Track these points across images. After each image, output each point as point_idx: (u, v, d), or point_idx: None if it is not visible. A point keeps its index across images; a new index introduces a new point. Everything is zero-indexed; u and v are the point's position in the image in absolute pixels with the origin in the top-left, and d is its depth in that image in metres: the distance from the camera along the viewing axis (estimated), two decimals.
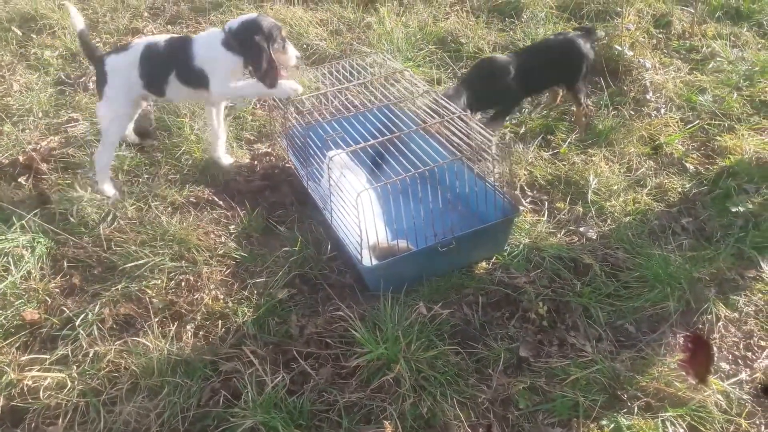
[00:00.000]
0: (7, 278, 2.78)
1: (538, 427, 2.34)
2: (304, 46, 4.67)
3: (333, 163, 3.05)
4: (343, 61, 3.61)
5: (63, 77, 4.33)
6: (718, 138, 3.83)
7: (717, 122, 3.97)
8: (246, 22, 3.01)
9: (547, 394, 2.45)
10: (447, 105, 3.11)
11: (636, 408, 2.39)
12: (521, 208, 3.22)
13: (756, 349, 2.67)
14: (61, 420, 2.29)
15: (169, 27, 5.05)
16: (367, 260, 2.75)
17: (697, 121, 3.96)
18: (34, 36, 4.76)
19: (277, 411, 2.31)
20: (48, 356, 2.50)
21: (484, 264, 3.00)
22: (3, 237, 2.92)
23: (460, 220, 2.97)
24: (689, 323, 2.74)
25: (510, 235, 3.05)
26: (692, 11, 5.12)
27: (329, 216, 2.98)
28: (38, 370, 2.43)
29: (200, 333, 2.64)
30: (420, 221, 2.78)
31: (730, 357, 2.63)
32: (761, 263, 3.01)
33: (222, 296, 2.79)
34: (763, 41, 4.93)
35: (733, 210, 3.32)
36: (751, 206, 3.34)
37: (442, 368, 2.48)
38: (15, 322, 2.63)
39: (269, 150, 3.71)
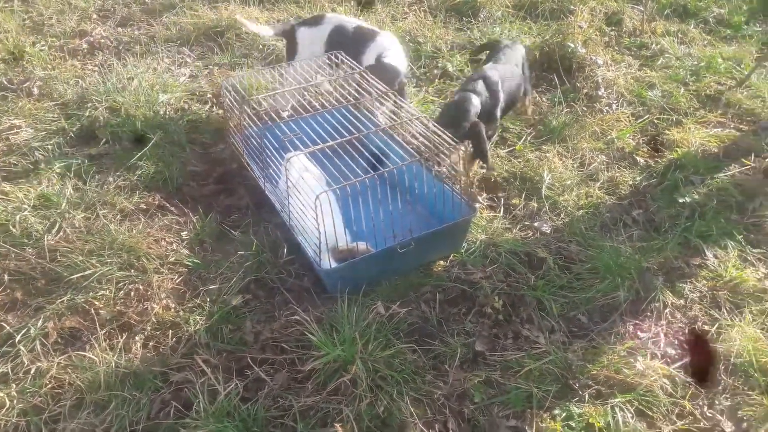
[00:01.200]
0: None
1: (493, 420, 2.35)
2: (260, 46, 4.61)
3: (291, 164, 3.02)
4: (299, 61, 3.56)
5: (5, 82, 4.17)
6: (667, 132, 3.91)
7: (666, 116, 4.05)
8: None
9: (502, 387, 2.47)
10: (405, 106, 3.09)
11: (587, 396, 2.43)
12: (477, 206, 3.22)
13: (701, 333, 2.72)
14: None
15: (120, 29, 4.92)
16: (327, 263, 2.71)
17: (647, 116, 4.03)
18: None
19: (230, 420, 2.26)
20: None
21: (442, 262, 2.99)
22: None
23: (419, 221, 2.97)
24: (638, 311, 2.79)
25: (467, 233, 3.05)
26: (642, 9, 5.21)
27: (287, 219, 2.93)
28: None
29: (150, 344, 2.57)
30: (379, 223, 2.76)
31: (676, 342, 2.67)
32: (706, 251, 3.09)
33: (173, 305, 2.72)
34: (708, 37, 5.06)
35: (680, 201, 3.40)
36: (696, 197, 3.42)
37: (399, 367, 2.47)
38: None
39: (225, 153, 3.63)
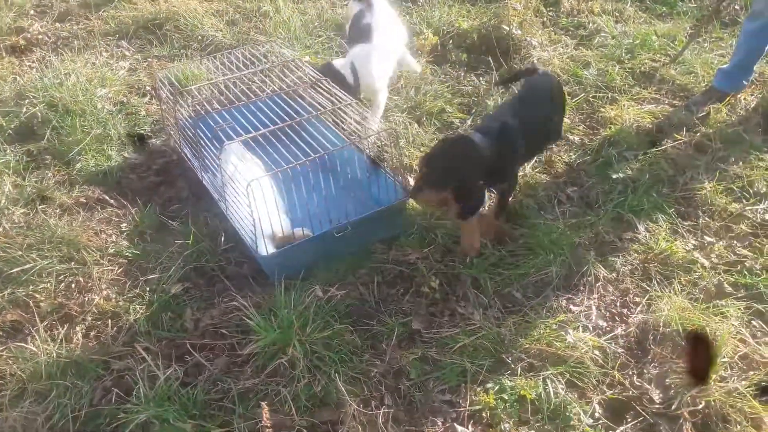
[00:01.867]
0: None
1: (428, 395, 2.47)
2: (199, 37, 4.64)
3: (226, 153, 3.08)
4: (236, 51, 3.61)
5: None
6: (602, 110, 4.06)
7: (601, 95, 4.20)
8: None
9: (438, 363, 2.58)
10: (338, 93, 3.17)
11: (519, 369, 2.54)
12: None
13: (631, 305, 2.87)
14: None
15: (58, 24, 4.89)
16: (263, 249, 2.79)
17: (581, 94, 4.17)
18: None
19: (170, 404, 2.34)
20: None
21: (381, 245, 3.09)
22: None
23: (357, 205, 3.05)
24: (571, 286, 2.93)
25: (403, 216, 3.15)
26: None
27: (224, 207, 3.00)
28: None
29: (91, 334, 2.64)
30: (314, 208, 2.85)
31: (607, 315, 2.83)
32: (638, 225, 3.24)
33: (114, 295, 2.78)
34: (644, 15, 5.22)
35: (614, 177, 3.54)
36: (630, 172, 3.57)
37: (337, 347, 2.57)
38: None
39: (164, 145, 3.68)
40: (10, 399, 2.34)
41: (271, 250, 2.80)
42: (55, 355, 2.49)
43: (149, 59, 4.47)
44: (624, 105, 4.08)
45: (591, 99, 4.17)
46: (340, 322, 2.66)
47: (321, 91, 3.20)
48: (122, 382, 2.44)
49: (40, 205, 3.15)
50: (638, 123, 3.95)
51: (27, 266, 2.80)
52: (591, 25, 4.97)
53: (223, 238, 2.98)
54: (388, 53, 3.84)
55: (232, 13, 4.97)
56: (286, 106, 3.17)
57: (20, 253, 2.86)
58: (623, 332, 2.74)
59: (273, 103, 3.25)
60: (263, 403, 1.94)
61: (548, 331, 2.69)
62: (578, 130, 3.94)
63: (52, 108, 3.70)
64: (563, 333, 2.67)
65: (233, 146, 3.12)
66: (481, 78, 4.35)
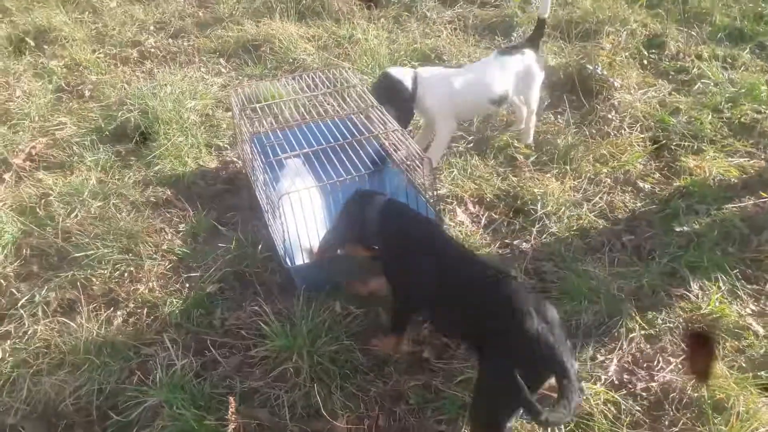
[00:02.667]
0: None
1: (423, 422, 2.56)
2: (291, 60, 5.06)
3: (286, 169, 3.39)
4: (311, 73, 3.93)
5: (63, 85, 4.85)
6: (683, 159, 3.94)
7: (686, 143, 4.07)
8: None
9: (440, 393, 2.66)
10: (388, 120, 3.38)
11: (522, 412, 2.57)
12: (445, 220, 3.42)
13: (662, 364, 2.79)
14: None
15: (171, 40, 5.54)
16: (295, 261, 3.04)
17: (662, 141, 4.08)
18: (46, 47, 5.34)
19: (181, 392, 2.61)
20: None
21: None
22: None
23: None
24: (599, 336, 2.89)
25: None
26: (691, 32, 5.22)
27: (267, 218, 3.29)
28: None
29: (130, 319, 3.00)
30: None
31: (632, 370, 2.76)
32: (691, 282, 3.13)
33: (157, 288, 3.14)
34: (762, 63, 4.98)
35: (677, 229, 3.45)
36: (696, 226, 3.45)
37: (342, 363, 2.73)
38: None
39: (236, 157, 4.07)
40: (49, 366, 2.73)
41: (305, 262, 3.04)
42: (95, 334, 2.86)
43: (242, 77, 4.95)
44: (709, 156, 3.94)
45: (673, 147, 4.07)
46: (352, 340, 2.83)
47: (374, 116, 3.42)
48: (146, 367, 2.76)
49: (114, 200, 3.61)
50: (721, 177, 3.81)
51: (90, 252, 3.24)
52: (695, 70, 4.83)
53: (261, 246, 3.25)
54: (467, 97, 3.83)
55: (325, 39, 5.36)
56: (343, 128, 3.43)
57: (87, 240, 3.31)
58: (643, 390, 2.67)
59: (332, 124, 3.52)
60: (231, 398, 2.14)
61: None
62: (651, 178, 3.87)
63: (144, 115, 4.22)
64: None
65: (291, 163, 3.42)
66: (559, 117, 4.38)
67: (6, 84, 4.82)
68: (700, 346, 2.74)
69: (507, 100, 3.95)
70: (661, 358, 2.82)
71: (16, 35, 5.49)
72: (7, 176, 3.89)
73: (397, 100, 3.67)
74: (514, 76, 3.83)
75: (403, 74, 3.75)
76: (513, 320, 2.15)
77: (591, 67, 4.43)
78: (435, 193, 3.16)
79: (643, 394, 2.67)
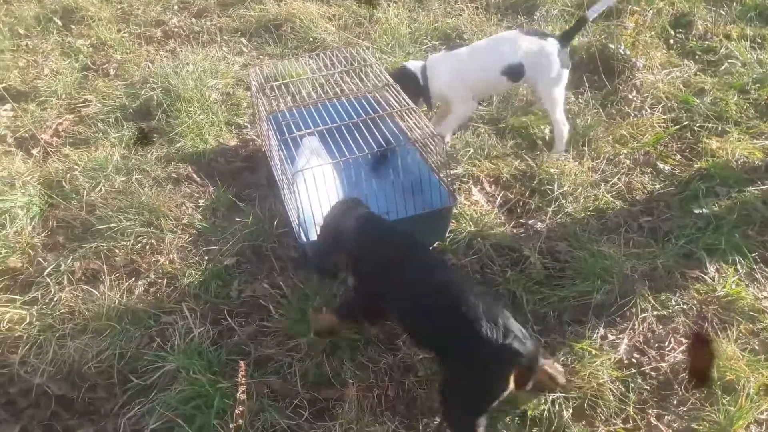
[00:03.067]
0: (1, 232, 3.39)
1: (431, 394, 2.65)
2: (311, 39, 5.15)
3: (302, 146, 3.49)
4: (328, 52, 4.01)
5: (89, 63, 5.02)
6: (705, 141, 3.94)
7: (709, 125, 4.07)
8: None
9: None
10: (404, 98, 3.45)
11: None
12: (459, 199, 3.48)
13: (674, 344, 2.84)
14: (21, 349, 2.83)
15: (194, 20, 5.66)
16: (304, 237, 3.14)
17: (685, 122, 4.08)
18: (73, 26, 5.50)
19: (198, 358, 2.74)
20: (21, 297, 3.06)
21: None
22: (4, 198, 3.54)
23: (408, 206, 3.30)
24: (611, 315, 2.95)
25: (449, 223, 3.34)
26: (720, 11, 5.17)
27: (283, 195, 3.40)
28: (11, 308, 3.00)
29: (151, 289, 3.14)
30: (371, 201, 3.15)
31: (643, 349, 2.82)
32: (708, 264, 3.16)
33: (177, 260, 3.27)
34: None
35: (696, 211, 3.46)
36: (716, 208, 3.46)
37: (355, 335, 2.84)
38: (1, 268, 3.22)
39: (255, 135, 4.18)
40: (73, 331, 2.88)
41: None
42: (117, 302, 3.01)
43: (262, 56, 5.06)
44: (733, 138, 3.93)
45: (696, 128, 4.07)
46: None
47: (390, 95, 3.49)
48: (165, 334, 2.90)
49: (137, 175, 3.75)
50: (745, 159, 3.80)
51: (113, 225, 3.39)
52: (722, 50, 4.80)
53: (276, 222, 3.36)
54: (475, 68, 3.86)
55: (346, 18, 5.43)
56: (358, 106, 3.51)
57: (111, 213, 3.46)
58: (653, 370, 2.73)
59: (348, 103, 3.60)
60: (241, 362, 2.26)
61: (571, 356, 2.76)
62: (671, 159, 3.88)
63: (167, 93, 4.35)
64: (586, 360, 2.72)
65: (307, 140, 3.51)
66: (580, 96, 4.40)
67: (34, 62, 5.00)
68: (701, 349, 2.78)
69: (523, 75, 3.84)
70: (672, 339, 2.86)
71: (44, 15, 5.67)
72: (35, 151, 4.06)
73: (415, 88, 3.79)
74: (527, 53, 3.76)
75: (416, 65, 3.89)
76: (469, 330, 2.28)
77: (613, 47, 4.43)
78: (449, 172, 3.22)
79: (653, 373, 2.73)
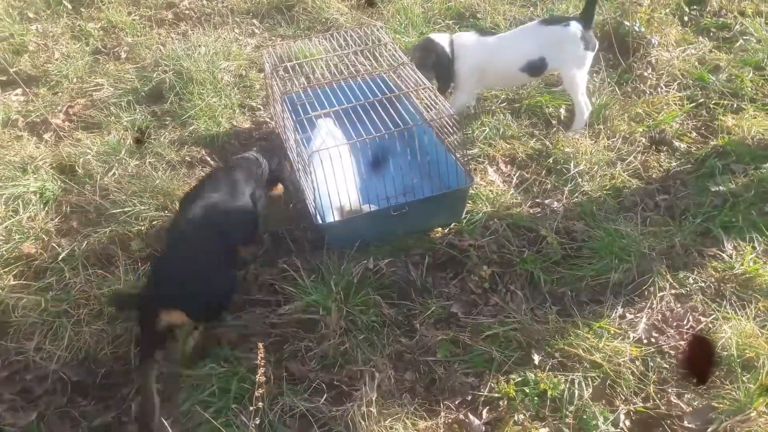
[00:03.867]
0: (14, 217, 3.34)
1: (450, 375, 2.60)
2: (323, 19, 5.04)
3: (318, 127, 3.41)
4: (342, 32, 3.90)
5: (100, 47, 4.93)
6: (721, 118, 3.83)
7: (725, 102, 3.96)
8: None
9: (468, 348, 2.70)
10: (420, 78, 3.36)
11: (548, 366, 2.59)
12: (475, 179, 3.39)
13: (693, 322, 2.77)
14: (36, 335, 2.78)
15: (205, 2, 5.55)
16: (326, 219, 3.07)
17: (700, 99, 3.97)
18: (83, 9, 5.40)
19: (215, 342, 2.70)
20: (35, 284, 3.01)
21: (440, 229, 3.24)
22: (17, 183, 3.48)
23: (429, 188, 3.24)
24: (629, 294, 2.88)
25: (466, 204, 3.27)
26: None
27: (298, 177, 3.32)
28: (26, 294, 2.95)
29: None
30: (380, 184, 3.08)
31: (662, 328, 2.75)
32: (725, 242, 3.08)
33: None
34: None
35: (713, 189, 3.37)
36: (732, 186, 3.37)
37: (372, 317, 2.78)
38: (15, 254, 3.17)
39: (269, 118, 4.10)
40: (88, 317, 2.83)
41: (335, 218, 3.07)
42: (131, 287, 2.95)
43: (275, 38, 4.95)
44: (749, 115, 3.82)
45: (712, 106, 3.95)
46: (382, 295, 2.87)
47: (406, 74, 3.40)
48: None
49: (150, 159, 3.68)
50: (761, 136, 3.69)
51: (127, 209, 3.33)
52: (737, 26, 4.66)
53: (291, 205, 3.29)
54: (499, 61, 3.76)
55: None
56: (374, 86, 3.42)
57: (125, 197, 3.39)
58: (672, 348, 2.66)
59: (363, 83, 3.51)
60: (260, 344, 2.20)
61: (591, 334, 2.69)
62: (687, 137, 3.77)
63: (179, 76, 4.27)
64: (605, 339, 2.66)
65: (322, 122, 3.43)
66: (595, 76, 4.28)
67: (45, 46, 4.91)
68: (701, 350, 2.72)
69: (545, 69, 3.77)
70: (691, 318, 2.80)
71: None
72: (47, 136, 3.99)
73: (439, 66, 3.67)
74: (549, 45, 3.67)
75: (443, 39, 3.75)
76: None
77: (628, 24, 4.31)
78: (465, 152, 3.14)
79: (672, 352, 2.66)
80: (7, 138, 3.98)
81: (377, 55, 3.63)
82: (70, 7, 5.40)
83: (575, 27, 3.64)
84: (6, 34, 4.97)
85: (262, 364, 2.07)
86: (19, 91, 4.47)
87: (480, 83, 3.88)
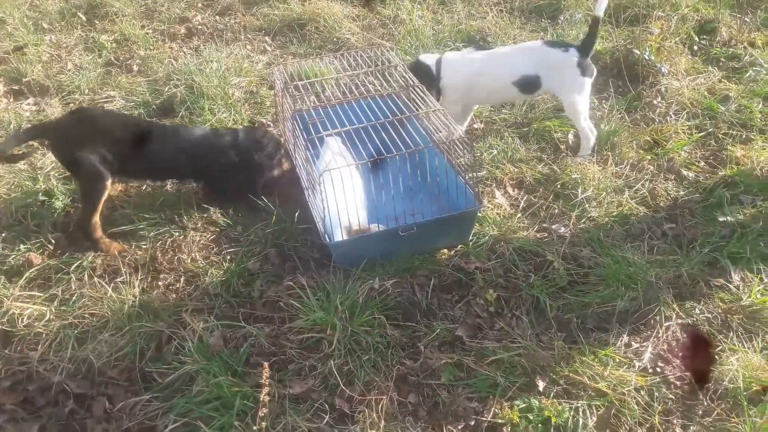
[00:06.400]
0: (20, 226, 3.35)
1: (454, 399, 2.58)
2: (335, 39, 5.09)
3: (325, 146, 3.42)
4: (353, 52, 3.94)
5: (113, 59, 4.98)
6: (730, 148, 3.84)
7: (736, 132, 3.97)
8: None
9: (472, 372, 2.69)
10: (430, 100, 3.38)
11: (553, 393, 2.57)
12: (483, 202, 3.41)
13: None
14: (40, 346, 2.78)
15: (218, 18, 5.62)
16: (333, 238, 3.08)
17: (709, 129, 3.98)
18: (97, 22, 5.47)
19: (218, 359, 2.68)
20: (42, 294, 3.01)
21: (446, 251, 3.25)
22: (26, 192, 3.50)
23: (437, 210, 3.25)
24: (635, 323, 2.87)
25: (473, 226, 3.27)
26: (744, 18, 5.06)
27: (306, 194, 3.33)
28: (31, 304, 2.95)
29: (172, 287, 3.08)
30: (389, 204, 3.09)
31: (667, 358, 2.74)
32: (732, 273, 3.07)
33: (200, 258, 3.21)
34: None
35: (721, 219, 3.38)
36: (741, 216, 3.37)
37: (377, 338, 2.77)
38: (21, 263, 3.18)
39: (280, 133, 4.12)
40: (93, 328, 2.82)
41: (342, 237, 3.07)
42: (138, 300, 2.95)
43: (286, 55, 5.00)
44: (758, 145, 3.84)
45: (720, 136, 3.97)
46: (387, 316, 2.86)
47: (415, 96, 3.42)
48: (184, 333, 2.82)
49: None
50: None
51: (135, 222, 3.34)
52: (747, 57, 4.69)
53: (298, 221, 3.30)
54: (487, 74, 3.80)
55: (370, 19, 5.37)
56: (384, 107, 3.44)
57: (132, 210, 3.40)
58: (677, 379, 2.65)
59: (373, 103, 3.53)
60: (265, 363, 2.19)
61: (596, 362, 2.68)
62: (695, 166, 3.79)
63: (190, 90, 4.30)
64: (609, 367, 2.65)
65: (332, 140, 3.45)
66: (604, 102, 4.31)
67: (58, 57, 4.97)
68: (700, 348, 2.72)
69: (538, 87, 3.78)
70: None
71: (68, 10, 5.64)
72: None
73: (427, 84, 3.71)
74: (546, 65, 3.69)
75: (431, 59, 3.85)
76: None
77: (638, 52, 4.34)
78: (475, 174, 3.15)
79: (677, 383, 2.65)
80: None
81: (387, 76, 3.66)
82: (84, 19, 5.48)
83: (573, 53, 3.67)
84: (20, 43, 5.02)
85: (267, 383, 2.06)
86: (31, 100, 4.51)
87: (467, 96, 3.91)
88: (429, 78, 3.78)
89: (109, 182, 3.24)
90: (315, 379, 2.65)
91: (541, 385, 2.61)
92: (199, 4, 5.87)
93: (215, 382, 2.56)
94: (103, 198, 3.24)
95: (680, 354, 2.74)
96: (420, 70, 3.79)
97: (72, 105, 4.44)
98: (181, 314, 2.93)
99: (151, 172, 3.51)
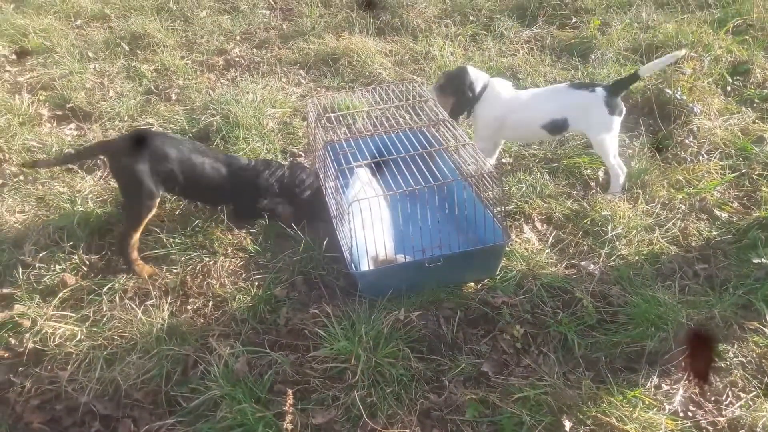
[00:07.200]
0: (56, 247, 3.41)
1: None
2: (367, 73, 5.15)
3: (354, 177, 3.45)
4: (384, 86, 3.98)
5: (152, 88, 5.11)
6: (765, 189, 3.77)
7: None
8: None
9: (497, 409, 2.62)
10: (459, 134, 3.39)
11: None
12: (511, 236, 3.38)
13: (732, 399, 2.66)
14: (70, 366, 2.80)
15: (255, 50, 5.75)
16: (361, 267, 3.07)
17: (743, 169, 3.92)
18: (139, 52, 5.63)
19: (242, 385, 2.67)
20: (74, 314, 3.05)
21: (473, 284, 3.21)
22: (64, 214, 3.57)
23: (464, 243, 3.22)
24: (665, 364, 2.79)
25: (501, 260, 3.24)
26: None
27: (335, 223, 3.34)
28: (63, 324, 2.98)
29: (200, 311, 3.10)
30: (416, 236, 3.08)
31: (699, 402, 2.65)
32: (767, 316, 2.98)
33: (228, 283, 3.23)
34: None
35: (755, 261, 3.29)
36: None
37: (401, 370, 2.73)
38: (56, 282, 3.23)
39: (309, 163, 4.16)
40: (121, 350, 2.84)
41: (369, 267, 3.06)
42: (167, 323, 2.97)
43: (319, 88, 5.08)
44: None
45: (755, 176, 3.90)
46: (411, 348, 2.83)
47: (445, 130, 3.44)
48: (210, 359, 2.82)
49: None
50: None
51: (166, 246, 3.38)
52: None
53: (326, 250, 3.30)
54: (520, 114, 3.83)
55: (402, 54, 5.43)
56: (415, 140, 3.46)
57: (164, 235, 3.45)
58: (710, 424, 2.55)
59: (404, 135, 3.55)
60: (289, 390, 2.17)
61: (624, 404, 2.60)
62: (728, 206, 3.71)
63: (226, 119, 4.38)
64: (638, 409, 2.57)
65: (361, 171, 3.48)
66: (635, 140, 4.27)
67: (101, 84, 5.11)
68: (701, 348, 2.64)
69: (566, 128, 3.81)
70: (730, 393, 2.69)
71: (112, 40, 5.82)
72: (98, 171, 4.10)
73: (461, 95, 3.76)
74: (573, 107, 3.72)
75: (478, 76, 3.84)
76: None
77: (670, 92, 4.31)
78: (504, 208, 3.13)
79: (709, 428, 2.56)
80: (57, 170, 4.10)
81: (418, 110, 3.69)
82: (127, 49, 5.64)
83: (600, 92, 3.68)
84: (66, 71, 5.19)
85: (291, 411, 2.04)
86: (73, 125, 4.63)
87: (498, 134, 3.93)
88: (467, 92, 3.80)
89: (157, 201, 3.32)
90: (338, 409, 2.61)
91: (567, 425, 2.53)
92: (237, 37, 6.02)
93: (239, 409, 2.55)
94: (149, 216, 3.31)
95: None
96: (461, 78, 3.81)
97: (111, 131, 4.55)
98: (207, 339, 2.93)
99: (194, 195, 3.63)
